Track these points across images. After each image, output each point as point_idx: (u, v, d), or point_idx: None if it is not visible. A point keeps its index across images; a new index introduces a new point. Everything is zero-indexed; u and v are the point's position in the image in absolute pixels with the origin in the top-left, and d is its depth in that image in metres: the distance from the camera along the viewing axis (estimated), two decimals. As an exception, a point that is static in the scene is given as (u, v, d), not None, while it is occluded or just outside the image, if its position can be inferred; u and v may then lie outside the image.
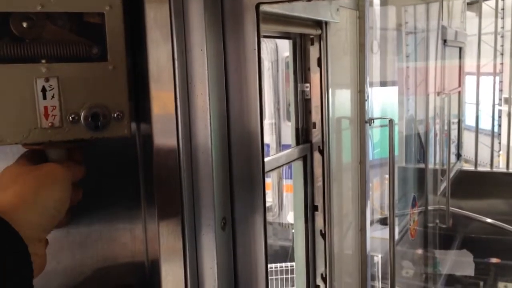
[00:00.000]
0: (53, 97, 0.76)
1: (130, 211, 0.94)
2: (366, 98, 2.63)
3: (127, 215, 0.94)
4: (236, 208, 0.87)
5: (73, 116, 0.77)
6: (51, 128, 0.77)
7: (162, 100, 0.82)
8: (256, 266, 0.87)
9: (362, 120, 2.62)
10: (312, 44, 2.20)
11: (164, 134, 0.82)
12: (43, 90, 0.76)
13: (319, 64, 2.20)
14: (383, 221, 3.85)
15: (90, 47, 0.78)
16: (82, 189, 0.84)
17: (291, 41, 2.22)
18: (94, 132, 0.78)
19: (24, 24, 0.76)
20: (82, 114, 0.77)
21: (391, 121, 2.76)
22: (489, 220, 5.42)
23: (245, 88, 0.85)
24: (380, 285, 3.41)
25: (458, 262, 5.26)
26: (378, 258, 3.76)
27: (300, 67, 2.23)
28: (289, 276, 6.02)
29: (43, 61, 0.76)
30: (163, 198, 0.84)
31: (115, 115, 0.79)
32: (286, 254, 6.62)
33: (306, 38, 2.19)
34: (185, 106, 0.82)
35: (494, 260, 5.46)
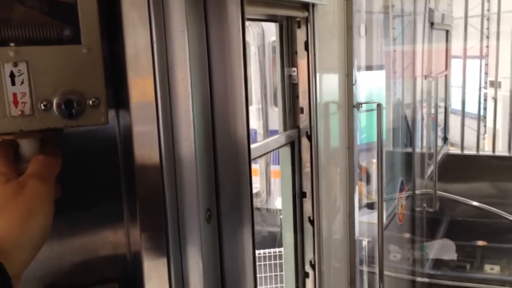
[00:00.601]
0: (22, 83, 0.71)
1: (110, 203, 0.90)
2: (354, 82, 2.60)
3: (107, 207, 0.90)
4: (221, 199, 0.83)
5: (45, 103, 0.72)
6: (21, 116, 0.71)
7: (141, 86, 0.77)
8: (243, 259, 0.83)
9: (350, 104, 2.59)
10: (299, 27, 2.15)
11: (144, 123, 0.77)
12: (12, 75, 0.70)
13: (306, 48, 2.16)
14: (369, 206, 3.85)
15: (62, 28, 0.72)
16: (61, 181, 0.79)
17: (277, 24, 2.17)
18: (68, 121, 0.73)
19: (-10, 5, 0.70)
20: (55, 101, 0.72)
21: (379, 105, 2.73)
22: (475, 203, 5.46)
23: (230, 73, 0.81)
24: (367, 269, 3.40)
25: (443, 246, 5.30)
26: (365, 243, 3.76)
27: (287, 51, 2.19)
28: (277, 261, 6.03)
29: (11, 44, 0.71)
30: (144, 189, 0.80)
31: (90, 102, 0.74)
32: (274, 240, 6.63)
33: (293, 21, 2.14)
34: (166, 92, 0.77)
35: (480, 243, 5.50)
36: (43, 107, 0.72)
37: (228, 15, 0.78)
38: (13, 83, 0.70)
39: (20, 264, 0.70)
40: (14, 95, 0.71)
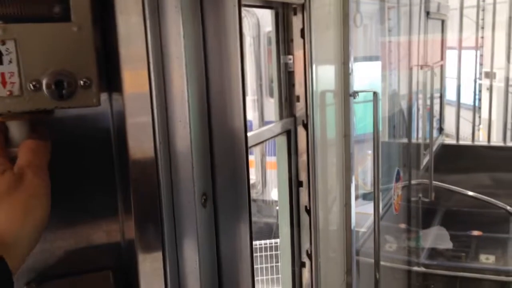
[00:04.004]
0: (10, 62, 0.68)
1: (103, 189, 0.87)
2: (350, 71, 2.57)
3: (100, 194, 0.87)
4: (217, 183, 0.81)
5: (34, 83, 0.69)
6: (9, 97, 0.69)
7: (134, 69, 0.75)
8: (240, 245, 0.81)
9: (346, 93, 2.57)
10: (295, 14, 2.12)
11: (138, 107, 0.75)
12: (-1, 54, 0.68)
13: (302, 36, 2.13)
14: (365, 197, 3.83)
15: (51, 5, 0.70)
16: (54, 167, 0.77)
17: (273, 11, 2.14)
18: (59, 102, 0.71)
19: (-24, -19, 0.67)
20: (44, 81, 0.70)
21: (375, 94, 2.71)
22: (470, 193, 5.46)
23: (226, 54, 0.78)
24: (360, 260, 3.40)
25: (438, 235, 5.31)
26: (361, 233, 3.75)
27: (283, 39, 2.16)
28: (273, 252, 6.03)
29: (-1, 22, 0.68)
30: (137, 174, 0.77)
31: (81, 82, 0.71)
32: (270, 231, 6.62)
33: (289, 7, 2.11)
34: (160, 75, 0.74)
35: (475, 232, 5.52)
36: (32, 88, 0.69)
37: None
38: (0, 63, 0.68)
39: (19, 259, 0.70)
40: (2, 74, 0.68)
